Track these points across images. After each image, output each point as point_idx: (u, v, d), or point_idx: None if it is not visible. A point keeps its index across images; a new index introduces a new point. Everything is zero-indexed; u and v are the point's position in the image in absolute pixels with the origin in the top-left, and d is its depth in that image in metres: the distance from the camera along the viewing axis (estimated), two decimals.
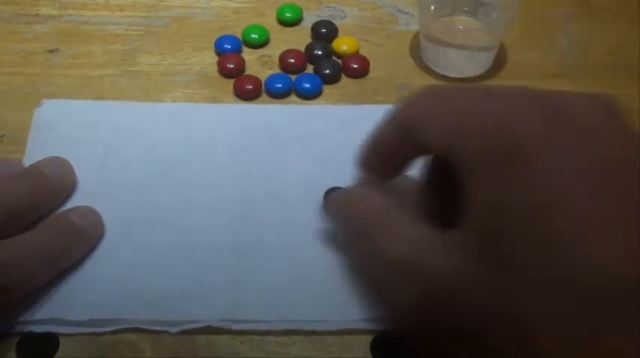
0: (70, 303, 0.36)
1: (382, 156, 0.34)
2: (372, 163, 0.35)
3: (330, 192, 0.41)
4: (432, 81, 0.48)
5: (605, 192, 0.25)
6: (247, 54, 0.49)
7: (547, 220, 0.25)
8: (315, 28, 0.50)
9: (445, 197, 0.31)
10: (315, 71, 0.48)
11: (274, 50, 0.49)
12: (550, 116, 0.27)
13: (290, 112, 0.45)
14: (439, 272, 0.27)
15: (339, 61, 0.49)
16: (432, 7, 0.48)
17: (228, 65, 0.48)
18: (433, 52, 0.48)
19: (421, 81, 0.48)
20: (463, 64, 0.48)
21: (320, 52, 0.49)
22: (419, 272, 0.28)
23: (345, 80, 0.48)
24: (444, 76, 0.48)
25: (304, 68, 0.48)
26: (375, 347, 0.36)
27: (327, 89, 0.47)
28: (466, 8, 0.49)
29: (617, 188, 0.26)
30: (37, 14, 0.51)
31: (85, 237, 0.38)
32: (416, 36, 0.50)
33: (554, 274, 0.25)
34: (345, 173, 0.42)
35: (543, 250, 0.25)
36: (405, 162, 0.34)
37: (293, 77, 0.47)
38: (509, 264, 0.25)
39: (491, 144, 0.27)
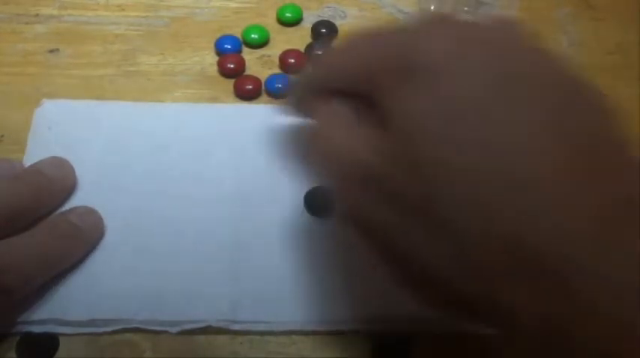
0: (70, 303, 0.36)
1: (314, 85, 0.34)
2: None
3: (311, 193, 0.41)
4: None
5: (508, 97, 0.26)
6: (247, 54, 0.49)
7: (454, 126, 0.26)
8: (315, 28, 0.50)
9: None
10: None
11: (274, 50, 0.49)
12: (454, 35, 0.28)
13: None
14: (374, 173, 0.28)
15: None
16: (432, 7, 0.48)
17: (229, 65, 0.48)
18: None
19: None
20: None
21: (320, 52, 0.49)
22: (359, 172, 0.29)
23: None
24: None
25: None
26: (373, 347, 0.36)
27: None
28: (466, 8, 0.49)
29: (519, 93, 0.26)
30: (37, 14, 0.51)
31: (84, 238, 0.38)
32: None
33: (459, 167, 0.25)
34: None
35: (450, 150, 0.26)
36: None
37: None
38: (422, 165, 0.26)
39: (399, 63, 0.28)
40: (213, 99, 0.46)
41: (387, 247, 0.29)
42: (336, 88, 0.32)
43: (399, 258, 0.28)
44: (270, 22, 0.51)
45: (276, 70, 0.48)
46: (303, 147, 0.33)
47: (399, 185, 0.27)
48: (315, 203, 0.40)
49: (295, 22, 0.51)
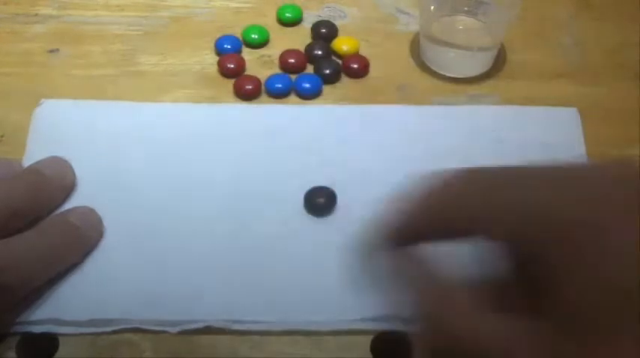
0: (70, 303, 0.36)
1: (404, 235, 0.31)
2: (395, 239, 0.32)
3: (311, 192, 0.41)
4: (432, 81, 0.48)
5: None
6: (247, 54, 0.49)
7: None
8: (315, 28, 0.50)
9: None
10: (315, 71, 0.48)
11: (274, 50, 0.49)
12: (596, 200, 0.27)
13: (290, 112, 0.45)
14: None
15: (339, 61, 0.48)
16: (432, 7, 0.48)
17: (228, 65, 0.48)
18: (433, 51, 0.48)
19: (421, 81, 0.48)
20: (463, 64, 0.48)
21: (320, 52, 0.49)
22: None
23: (344, 80, 0.48)
24: (444, 75, 0.48)
25: (304, 68, 0.48)
26: (375, 347, 0.36)
27: (326, 89, 0.47)
28: (466, 8, 0.49)
29: None
30: (37, 14, 0.51)
31: (84, 238, 0.38)
32: (416, 36, 0.50)
33: None
34: (344, 173, 0.42)
35: None
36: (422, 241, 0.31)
37: (293, 77, 0.47)
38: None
39: (570, 232, 0.26)
40: (213, 99, 0.46)
41: None
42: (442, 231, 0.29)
43: None
44: (270, 22, 0.51)
45: (276, 70, 0.48)
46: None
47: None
48: (315, 203, 0.40)
49: (295, 22, 0.51)
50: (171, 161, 0.42)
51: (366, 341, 0.36)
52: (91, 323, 0.36)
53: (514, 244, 0.28)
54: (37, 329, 0.36)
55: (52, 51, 0.49)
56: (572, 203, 0.27)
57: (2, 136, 0.44)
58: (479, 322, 0.28)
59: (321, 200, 0.41)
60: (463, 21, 0.49)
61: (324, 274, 0.38)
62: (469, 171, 0.30)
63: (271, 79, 0.47)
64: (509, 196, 0.28)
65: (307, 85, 0.47)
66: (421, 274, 0.30)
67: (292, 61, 0.48)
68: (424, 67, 0.49)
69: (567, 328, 0.26)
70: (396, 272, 0.31)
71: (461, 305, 0.29)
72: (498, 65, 0.49)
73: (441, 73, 0.48)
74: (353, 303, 0.37)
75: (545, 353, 0.26)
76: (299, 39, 0.50)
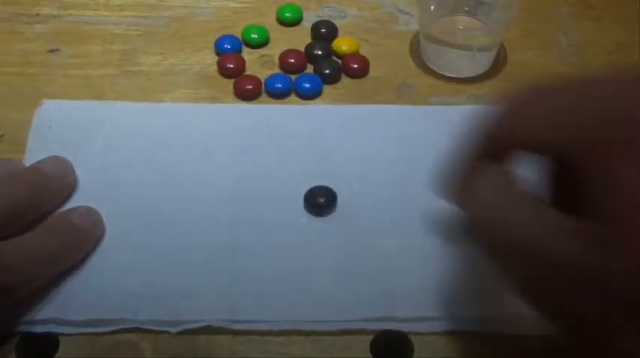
0: (70, 303, 0.36)
1: (480, 155, 0.32)
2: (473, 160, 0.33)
3: (312, 192, 0.41)
4: (432, 81, 0.48)
5: None
6: (247, 54, 0.49)
7: None
8: (315, 28, 0.50)
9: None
10: (315, 71, 0.48)
11: (274, 50, 0.49)
12: None
13: (290, 112, 0.45)
14: (575, 263, 0.27)
15: (339, 61, 0.49)
16: (432, 7, 0.48)
17: (228, 65, 0.48)
18: (433, 51, 0.48)
19: (421, 81, 0.48)
20: (463, 64, 0.48)
21: (320, 52, 0.49)
22: (551, 262, 0.27)
23: (345, 80, 0.48)
24: (444, 75, 0.48)
25: (304, 68, 0.48)
26: (375, 347, 0.36)
27: (327, 89, 0.47)
28: (466, 8, 0.49)
29: None
30: (37, 14, 0.51)
31: (85, 238, 0.38)
32: (416, 36, 0.50)
33: None
34: (344, 172, 0.42)
35: None
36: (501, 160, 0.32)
37: (293, 77, 0.47)
38: None
39: (609, 133, 0.27)
40: (213, 99, 0.46)
41: (581, 329, 0.27)
42: (516, 146, 0.30)
43: (594, 335, 0.27)
44: (270, 22, 0.51)
45: (276, 70, 0.48)
46: (473, 234, 0.31)
47: (606, 273, 0.25)
48: (315, 203, 0.40)
49: (295, 22, 0.51)
50: (171, 161, 0.42)
51: (366, 341, 0.36)
52: (91, 323, 0.36)
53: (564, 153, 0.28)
54: (37, 329, 0.36)
55: (52, 51, 0.49)
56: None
57: (2, 136, 0.44)
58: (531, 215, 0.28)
59: (321, 200, 0.41)
60: (463, 21, 0.49)
61: (324, 274, 0.38)
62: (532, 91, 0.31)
63: (271, 79, 0.47)
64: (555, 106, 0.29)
65: (307, 85, 0.47)
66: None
67: (292, 61, 0.48)
68: (424, 67, 0.49)
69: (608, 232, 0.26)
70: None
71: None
72: (498, 65, 0.49)
73: (441, 72, 0.48)
74: (353, 303, 0.37)
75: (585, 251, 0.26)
76: (299, 39, 0.50)
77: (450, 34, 0.48)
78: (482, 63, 0.48)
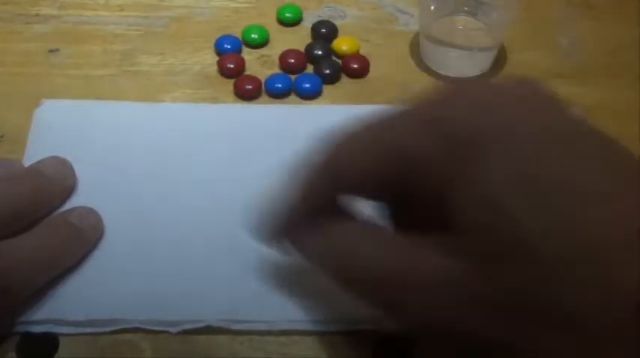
0: (70, 303, 0.36)
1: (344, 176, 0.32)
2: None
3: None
4: (432, 81, 0.48)
5: (568, 151, 0.26)
6: (247, 54, 0.49)
7: (532, 196, 0.25)
8: (315, 28, 0.50)
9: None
10: (315, 71, 0.48)
11: (274, 50, 0.49)
12: (487, 108, 0.27)
13: (290, 112, 0.45)
14: (444, 277, 0.27)
15: (339, 61, 0.49)
16: (432, 7, 0.48)
17: (228, 65, 0.48)
18: (433, 51, 0.48)
19: (421, 81, 0.48)
20: (463, 64, 0.48)
21: (320, 52, 0.49)
22: (420, 283, 0.27)
23: (345, 80, 0.48)
24: (444, 75, 0.48)
25: (304, 68, 0.48)
26: (375, 347, 0.36)
27: (327, 89, 0.47)
28: (466, 8, 0.49)
29: (576, 146, 0.26)
30: (37, 14, 0.51)
31: (84, 238, 0.38)
32: (416, 36, 0.50)
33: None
34: None
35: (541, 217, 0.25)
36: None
37: (293, 77, 0.47)
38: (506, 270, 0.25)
39: (446, 143, 0.27)
40: (213, 99, 0.46)
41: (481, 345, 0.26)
42: (348, 187, 0.30)
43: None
44: (270, 22, 0.51)
45: (276, 70, 0.48)
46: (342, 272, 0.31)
47: (486, 282, 0.25)
48: None
49: (295, 22, 0.51)
50: (171, 161, 0.42)
51: (366, 341, 0.36)
52: (91, 323, 0.36)
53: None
54: (37, 329, 0.36)
55: (52, 51, 0.49)
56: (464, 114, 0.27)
57: (2, 136, 0.44)
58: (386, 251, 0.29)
59: None
60: (463, 21, 0.49)
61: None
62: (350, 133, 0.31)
63: (271, 79, 0.47)
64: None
65: (307, 85, 0.47)
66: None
67: (292, 61, 0.48)
68: (424, 67, 0.49)
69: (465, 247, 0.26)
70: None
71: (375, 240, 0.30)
72: (498, 65, 0.49)
73: (441, 73, 0.48)
74: (353, 303, 0.37)
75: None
76: (299, 39, 0.50)
77: (450, 34, 0.48)
78: (482, 63, 0.48)
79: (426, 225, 0.28)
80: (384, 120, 0.30)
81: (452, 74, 0.48)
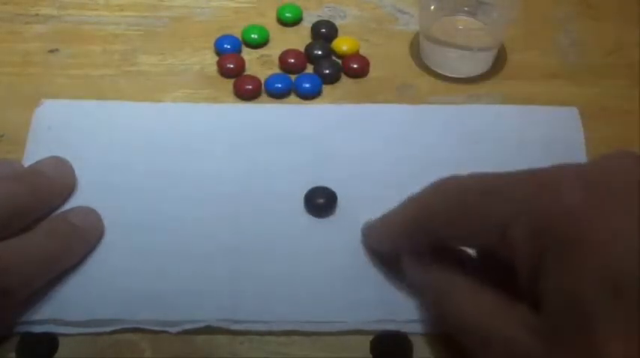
0: (70, 303, 0.36)
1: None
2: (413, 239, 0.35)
3: (312, 193, 0.41)
4: (432, 81, 0.48)
5: None
6: (247, 54, 0.49)
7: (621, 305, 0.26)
8: (315, 28, 0.50)
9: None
10: (315, 71, 0.48)
11: (274, 50, 0.49)
12: (590, 186, 0.28)
13: (290, 112, 0.45)
14: (520, 346, 0.28)
15: (339, 61, 0.49)
16: (432, 7, 0.48)
17: (228, 65, 0.48)
18: (433, 51, 0.48)
19: (421, 81, 0.48)
20: (463, 64, 0.48)
21: (320, 52, 0.49)
22: (497, 342, 0.30)
23: (345, 80, 0.48)
24: (444, 75, 0.48)
25: (304, 68, 0.48)
26: (375, 347, 0.36)
27: (326, 89, 0.47)
28: (466, 8, 0.49)
29: None
30: (37, 14, 0.51)
31: (84, 238, 0.38)
32: (416, 36, 0.50)
33: None
34: (345, 173, 0.42)
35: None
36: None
37: (293, 77, 0.47)
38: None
39: (543, 228, 0.28)
40: (213, 100, 0.46)
41: None
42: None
43: None
44: (269, 22, 0.51)
45: (276, 70, 0.48)
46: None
47: None
48: (315, 203, 0.40)
49: (295, 22, 0.51)
50: (170, 161, 0.42)
51: (366, 341, 0.36)
52: (91, 323, 0.36)
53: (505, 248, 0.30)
54: (37, 329, 0.36)
55: (52, 51, 0.49)
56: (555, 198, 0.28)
57: (2, 136, 0.44)
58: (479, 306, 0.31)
59: (321, 200, 0.41)
60: (463, 21, 0.49)
61: (324, 274, 0.38)
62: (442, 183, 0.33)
63: (271, 79, 0.47)
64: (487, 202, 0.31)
65: (307, 85, 0.47)
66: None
67: (292, 61, 0.48)
68: (424, 67, 0.49)
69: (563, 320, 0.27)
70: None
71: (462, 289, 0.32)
72: (498, 65, 0.49)
73: (441, 72, 0.48)
74: (353, 303, 0.37)
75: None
76: (299, 39, 0.50)
77: (449, 34, 0.47)
78: (482, 63, 0.48)
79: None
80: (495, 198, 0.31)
81: (452, 74, 0.48)
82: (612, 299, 0.26)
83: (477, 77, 0.48)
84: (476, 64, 0.48)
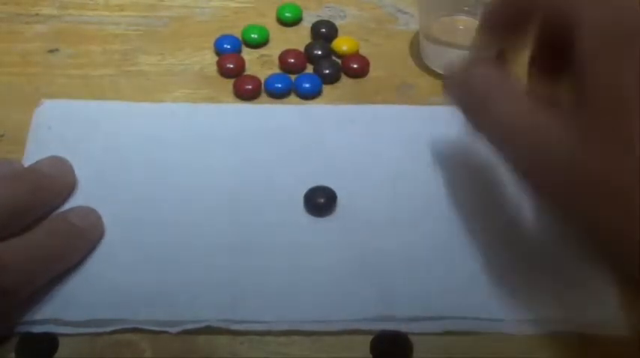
0: (70, 303, 0.36)
1: (504, 16, 0.35)
2: (496, 21, 0.36)
3: (312, 192, 0.41)
4: (432, 80, 0.48)
5: None
6: (247, 54, 0.49)
7: None
8: (315, 28, 0.50)
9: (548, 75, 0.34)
10: (315, 71, 0.48)
11: (274, 50, 0.49)
12: None
13: (290, 112, 0.45)
14: (558, 145, 0.29)
15: (339, 61, 0.49)
16: (432, 7, 0.48)
17: (228, 65, 0.48)
18: (433, 51, 0.48)
19: (421, 81, 0.48)
20: None
21: (320, 52, 0.49)
22: (536, 141, 0.30)
23: (344, 80, 0.48)
24: (445, 75, 0.48)
25: (304, 68, 0.48)
26: (375, 347, 0.36)
27: (326, 89, 0.47)
28: (466, 8, 0.49)
29: None
30: (37, 14, 0.51)
31: (84, 238, 0.38)
32: (416, 36, 0.50)
33: None
34: (345, 173, 0.42)
35: None
36: (520, 28, 0.35)
37: (293, 77, 0.47)
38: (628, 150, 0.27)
39: (616, 23, 0.28)
40: (213, 100, 0.46)
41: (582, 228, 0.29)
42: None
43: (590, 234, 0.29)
44: (269, 22, 0.51)
45: (276, 70, 0.48)
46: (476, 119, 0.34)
47: (598, 166, 0.27)
48: (315, 203, 0.40)
49: (295, 22, 0.51)
50: (170, 161, 0.42)
51: (366, 341, 0.36)
52: (91, 323, 0.36)
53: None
54: (37, 329, 0.36)
55: (52, 51, 0.49)
56: None
57: (2, 136, 0.44)
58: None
59: (321, 200, 0.41)
60: (463, 21, 0.49)
61: (324, 274, 0.38)
62: None
63: (271, 79, 0.47)
64: None
65: (307, 85, 0.47)
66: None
67: (292, 60, 0.48)
68: (424, 67, 0.49)
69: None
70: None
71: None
72: None
73: (441, 72, 0.48)
74: (353, 303, 0.37)
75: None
76: (299, 39, 0.50)
77: (450, 34, 0.47)
78: None
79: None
80: None
81: None
82: None
83: None
84: None
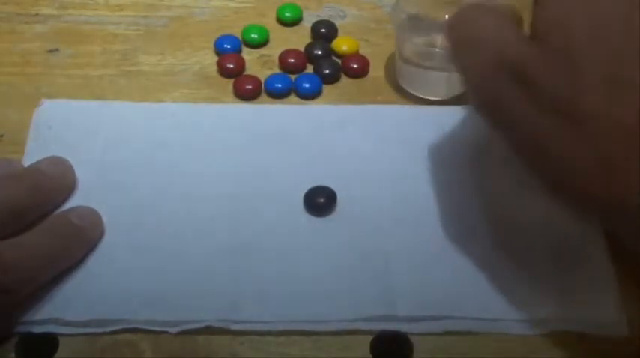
0: (70, 303, 0.36)
1: None
2: None
3: (311, 192, 0.41)
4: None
5: None
6: (247, 54, 0.49)
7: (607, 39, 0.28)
8: (315, 28, 0.50)
9: None
10: (315, 71, 0.48)
11: (274, 50, 0.49)
12: None
13: (290, 112, 0.45)
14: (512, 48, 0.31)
15: (339, 61, 0.49)
16: (407, 28, 0.46)
17: (228, 65, 0.48)
18: (409, 73, 0.46)
19: None
20: (441, 86, 0.46)
21: (320, 52, 0.49)
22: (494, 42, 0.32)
23: (344, 80, 0.48)
24: (420, 97, 0.46)
25: (304, 68, 0.48)
26: (375, 347, 0.36)
27: (326, 89, 0.47)
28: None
29: None
30: (37, 14, 0.51)
31: (84, 238, 0.38)
32: (392, 57, 0.49)
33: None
34: (344, 173, 0.42)
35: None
36: None
37: (293, 77, 0.47)
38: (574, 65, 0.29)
39: None
40: (213, 100, 0.46)
41: (520, 141, 0.30)
42: None
43: (529, 150, 0.30)
44: (269, 22, 0.51)
45: (276, 70, 0.48)
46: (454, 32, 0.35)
47: (548, 80, 0.29)
48: (315, 203, 0.40)
49: (295, 22, 0.51)
50: (170, 160, 0.42)
51: (366, 341, 0.36)
52: (91, 323, 0.36)
53: None
54: (37, 329, 0.36)
55: (52, 51, 0.49)
56: None
57: (2, 136, 0.44)
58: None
59: (321, 200, 0.41)
60: (439, 42, 0.47)
61: (324, 274, 0.38)
62: None
63: (271, 79, 0.47)
64: None
65: (307, 85, 0.47)
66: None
67: (292, 60, 0.48)
68: (401, 90, 0.47)
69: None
70: None
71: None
72: None
73: (417, 94, 0.46)
74: (353, 303, 0.37)
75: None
76: (299, 39, 0.50)
77: (425, 56, 0.45)
78: (459, 84, 0.44)
79: None
80: None
81: (428, 96, 0.46)
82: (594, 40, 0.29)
83: (453, 99, 0.46)
84: (453, 85, 0.45)
